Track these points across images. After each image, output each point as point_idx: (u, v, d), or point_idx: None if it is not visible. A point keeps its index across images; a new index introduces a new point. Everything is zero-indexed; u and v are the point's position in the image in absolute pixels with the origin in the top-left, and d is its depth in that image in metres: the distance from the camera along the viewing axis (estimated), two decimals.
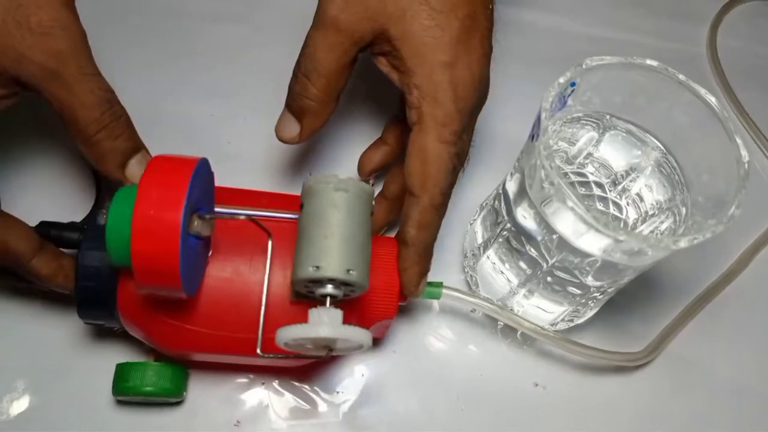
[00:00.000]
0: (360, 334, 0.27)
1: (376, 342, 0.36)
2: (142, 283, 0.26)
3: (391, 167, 0.37)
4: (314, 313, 0.27)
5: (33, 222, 0.32)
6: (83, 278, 0.29)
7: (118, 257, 0.26)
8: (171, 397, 0.33)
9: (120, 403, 0.33)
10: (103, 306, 0.30)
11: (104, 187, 0.38)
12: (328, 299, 0.27)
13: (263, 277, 0.29)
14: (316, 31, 0.31)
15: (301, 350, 0.28)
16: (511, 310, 0.36)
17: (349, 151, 0.42)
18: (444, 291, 0.33)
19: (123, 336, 0.32)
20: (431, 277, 0.33)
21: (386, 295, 0.31)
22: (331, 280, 0.27)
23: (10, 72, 0.28)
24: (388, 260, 0.32)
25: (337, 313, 0.27)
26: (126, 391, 0.31)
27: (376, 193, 0.38)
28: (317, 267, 0.27)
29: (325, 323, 0.26)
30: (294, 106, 0.33)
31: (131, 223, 0.24)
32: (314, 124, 0.33)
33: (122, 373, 0.32)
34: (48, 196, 0.38)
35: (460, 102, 0.30)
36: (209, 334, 0.29)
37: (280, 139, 0.33)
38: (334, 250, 0.27)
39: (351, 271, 0.27)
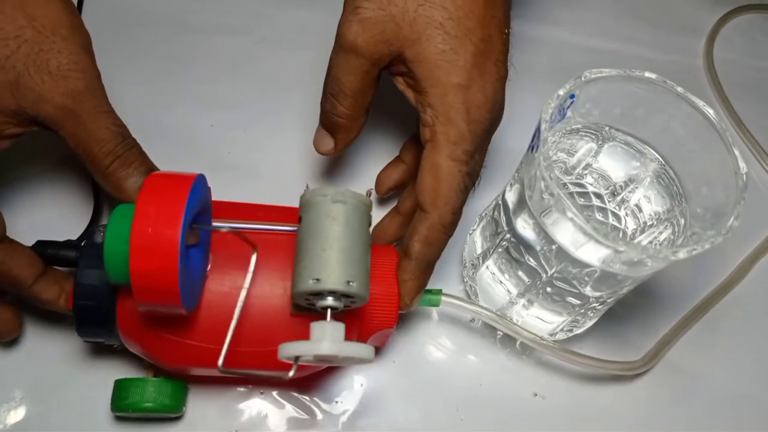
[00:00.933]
0: (362, 350, 0.27)
1: (377, 351, 0.36)
2: (141, 301, 0.26)
3: (408, 184, 0.38)
4: (316, 328, 0.27)
5: (30, 240, 0.32)
6: (82, 297, 0.29)
7: (117, 275, 0.26)
8: (170, 413, 0.32)
9: (118, 418, 0.33)
10: (102, 324, 0.30)
11: (103, 201, 0.39)
12: (329, 311, 0.27)
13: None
14: (337, 55, 0.32)
15: (301, 362, 0.28)
16: (510, 319, 0.36)
17: (350, 163, 0.43)
18: (443, 299, 0.33)
19: (122, 352, 0.32)
20: (431, 285, 0.33)
21: (387, 304, 0.31)
22: (331, 293, 0.27)
23: (29, 112, 0.29)
24: (387, 269, 0.32)
25: (340, 328, 0.27)
26: (125, 407, 0.31)
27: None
28: (317, 280, 0.27)
29: (327, 339, 0.26)
30: (326, 123, 0.34)
31: (129, 242, 0.24)
32: (346, 138, 0.35)
33: (121, 389, 0.31)
34: (44, 213, 0.38)
35: (473, 123, 0.30)
36: (209, 349, 0.29)
37: (318, 152, 0.36)
38: (333, 262, 0.27)
39: (351, 283, 0.27)
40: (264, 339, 0.29)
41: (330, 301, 0.27)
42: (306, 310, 0.29)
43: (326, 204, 0.28)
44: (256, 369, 0.30)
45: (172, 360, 0.30)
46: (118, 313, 0.29)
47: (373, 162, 0.42)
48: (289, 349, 0.26)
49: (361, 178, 0.42)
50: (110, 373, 0.33)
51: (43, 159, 0.40)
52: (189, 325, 0.29)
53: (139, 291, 0.25)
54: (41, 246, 0.32)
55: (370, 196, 0.30)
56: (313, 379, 0.35)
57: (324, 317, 0.27)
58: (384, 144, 0.43)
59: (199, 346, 0.29)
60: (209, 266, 0.30)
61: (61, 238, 0.33)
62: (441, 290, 0.33)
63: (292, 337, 0.28)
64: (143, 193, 0.25)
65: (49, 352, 0.35)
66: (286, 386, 0.35)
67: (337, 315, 0.28)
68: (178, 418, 0.34)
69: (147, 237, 0.24)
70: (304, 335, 0.27)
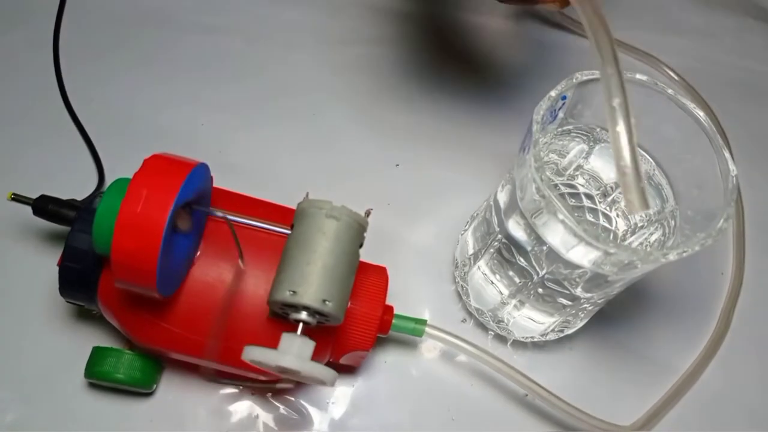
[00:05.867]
0: (324, 373, 0.27)
1: (352, 369, 0.36)
2: (118, 278, 0.26)
3: None
4: (284, 342, 0.27)
5: (34, 194, 0.33)
6: (69, 259, 0.30)
7: (102, 247, 0.26)
8: (141, 388, 0.33)
9: (92, 385, 0.34)
10: (83, 289, 0.30)
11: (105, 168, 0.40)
12: (301, 326, 0.27)
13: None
14: None
15: (265, 369, 0.28)
16: (501, 321, 0.36)
17: (351, 175, 0.43)
18: (427, 330, 0.33)
19: (103, 319, 0.32)
20: (418, 314, 0.33)
21: (365, 325, 0.31)
22: (305, 308, 0.27)
23: None
24: (374, 290, 0.32)
25: (309, 345, 0.27)
26: (96, 375, 0.32)
27: None
28: (294, 292, 0.26)
29: (293, 353, 0.26)
30: None
31: (116, 218, 0.25)
32: None
33: (96, 356, 0.32)
34: (57, 172, 0.40)
35: None
36: (182, 335, 0.29)
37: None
38: (313, 277, 0.27)
39: (327, 302, 0.27)
40: (238, 336, 0.29)
41: (303, 315, 0.27)
42: (281, 317, 0.29)
43: (320, 217, 0.28)
44: (226, 365, 0.31)
45: (143, 338, 0.30)
46: (100, 281, 0.30)
47: (376, 174, 0.42)
48: (253, 354, 0.26)
49: (362, 192, 0.41)
50: (90, 338, 0.34)
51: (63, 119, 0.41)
52: (166, 308, 0.29)
53: (117, 268, 0.25)
54: (43, 201, 0.32)
55: (368, 216, 0.29)
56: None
57: (296, 330, 0.27)
58: (389, 157, 0.44)
59: (171, 330, 0.29)
60: (198, 253, 0.30)
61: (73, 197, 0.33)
62: (426, 321, 0.34)
63: (266, 340, 0.28)
64: (140, 172, 0.26)
65: (31, 304, 0.35)
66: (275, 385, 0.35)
67: (313, 328, 0.27)
68: (149, 394, 0.34)
69: (134, 217, 0.25)
70: (278, 340, 0.27)
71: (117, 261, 0.25)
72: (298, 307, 0.27)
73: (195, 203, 0.28)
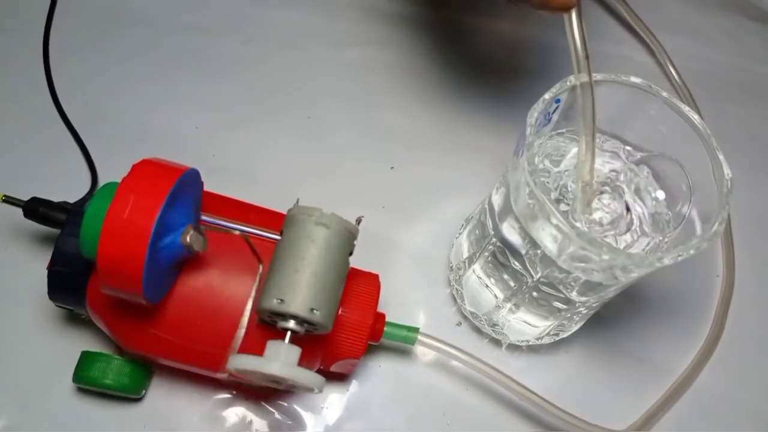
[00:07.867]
0: (311, 379, 0.26)
1: (342, 377, 0.36)
2: (105, 284, 0.26)
3: None
4: (271, 348, 0.27)
5: (25, 196, 0.33)
6: (57, 263, 0.29)
7: (90, 252, 0.26)
8: (129, 394, 0.32)
9: (80, 389, 0.34)
10: (72, 293, 0.30)
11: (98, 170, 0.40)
12: (289, 334, 0.27)
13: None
14: None
15: (251, 378, 0.27)
16: (496, 324, 0.36)
17: (344, 180, 0.42)
18: (419, 337, 0.33)
19: (93, 323, 0.32)
20: (411, 322, 0.33)
21: (356, 333, 0.31)
22: (293, 317, 0.27)
23: None
24: (365, 298, 0.31)
25: (295, 352, 0.27)
26: (84, 380, 0.31)
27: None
28: (281, 300, 0.26)
29: (279, 361, 0.26)
30: None
31: (102, 223, 0.24)
32: None
33: (85, 361, 0.32)
34: (50, 174, 0.40)
35: None
36: (170, 341, 0.29)
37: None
38: (301, 285, 0.26)
39: (315, 311, 0.26)
40: (227, 342, 0.29)
41: (291, 324, 0.27)
42: (270, 325, 0.29)
43: (309, 224, 0.27)
44: (214, 370, 0.30)
45: (131, 344, 0.30)
46: (89, 286, 0.29)
47: (370, 177, 0.42)
48: (238, 362, 0.26)
49: (356, 195, 0.41)
50: (80, 343, 0.34)
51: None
52: (155, 313, 0.29)
53: (103, 274, 0.25)
54: (34, 203, 0.32)
55: (359, 223, 0.29)
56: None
57: (284, 338, 0.27)
58: (383, 159, 0.43)
59: (160, 336, 0.29)
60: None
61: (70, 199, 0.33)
62: (418, 329, 0.33)
63: (255, 347, 0.28)
64: (128, 177, 0.25)
65: (20, 307, 0.35)
66: (269, 391, 0.35)
67: (303, 336, 0.27)
68: (138, 400, 0.34)
69: (120, 223, 0.24)
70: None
71: (103, 267, 0.25)
72: (285, 316, 0.27)
73: (185, 212, 0.28)
